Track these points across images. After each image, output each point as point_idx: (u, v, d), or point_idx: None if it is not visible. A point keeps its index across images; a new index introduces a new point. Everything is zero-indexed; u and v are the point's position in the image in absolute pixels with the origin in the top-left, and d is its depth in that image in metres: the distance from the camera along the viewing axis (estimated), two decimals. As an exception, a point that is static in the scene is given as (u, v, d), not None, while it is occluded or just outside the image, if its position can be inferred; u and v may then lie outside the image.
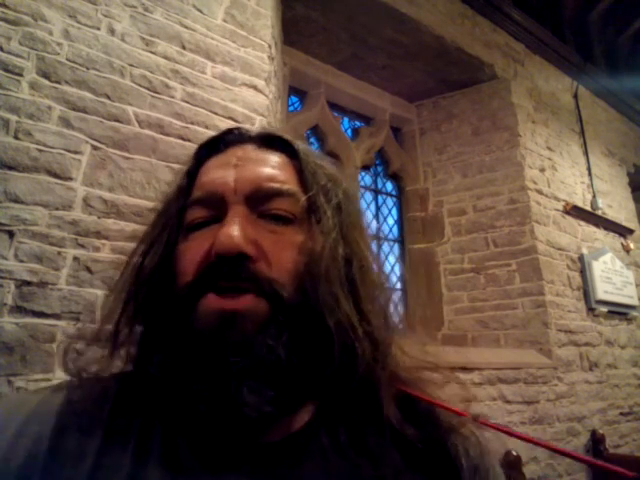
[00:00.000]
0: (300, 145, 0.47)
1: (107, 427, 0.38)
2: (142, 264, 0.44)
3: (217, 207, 0.41)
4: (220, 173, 0.43)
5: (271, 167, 0.44)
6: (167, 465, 0.36)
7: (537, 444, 0.41)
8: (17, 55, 1.40)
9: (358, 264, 0.43)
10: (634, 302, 3.45)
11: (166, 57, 1.70)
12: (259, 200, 0.41)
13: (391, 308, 0.48)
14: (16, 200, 1.31)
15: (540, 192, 3.13)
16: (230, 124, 1.76)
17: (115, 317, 0.43)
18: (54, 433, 0.37)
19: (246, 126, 0.49)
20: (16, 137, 1.35)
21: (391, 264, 3.30)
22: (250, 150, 0.46)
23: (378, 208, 3.40)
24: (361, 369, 0.39)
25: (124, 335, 0.43)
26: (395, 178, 3.54)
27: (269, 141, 0.47)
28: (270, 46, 2.02)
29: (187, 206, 0.43)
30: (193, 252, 0.40)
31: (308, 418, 0.42)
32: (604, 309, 3.20)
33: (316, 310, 0.38)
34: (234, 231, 0.38)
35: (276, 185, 0.42)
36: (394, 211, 3.49)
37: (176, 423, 0.38)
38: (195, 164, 0.47)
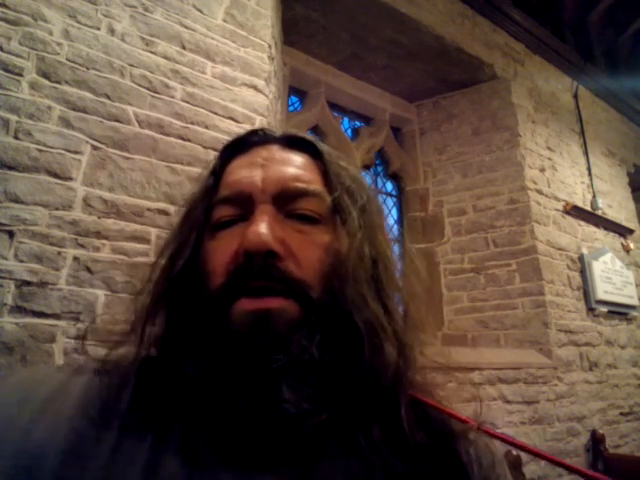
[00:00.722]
0: (324, 146, 0.48)
1: (126, 416, 0.38)
2: (171, 263, 0.44)
3: (244, 206, 0.42)
4: (247, 172, 0.44)
5: (296, 167, 0.45)
6: (185, 458, 0.37)
7: (539, 455, 0.41)
8: (17, 55, 1.40)
9: (383, 265, 0.44)
10: (634, 302, 3.45)
11: (166, 57, 1.70)
12: (286, 200, 0.42)
13: (412, 310, 0.48)
14: (16, 200, 1.31)
15: (540, 192, 3.13)
16: (230, 124, 1.76)
17: (142, 316, 0.43)
18: (74, 417, 0.37)
19: (270, 128, 0.50)
20: (16, 137, 1.35)
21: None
22: (275, 150, 0.46)
23: (378, 208, 3.40)
24: (391, 369, 0.39)
25: (149, 334, 0.43)
26: (395, 178, 3.54)
27: (293, 142, 0.48)
28: (270, 46, 2.02)
29: (214, 205, 0.44)
30: (222, 251, 0.41)
31: (325, 416, 0.42)
32: (604, 309, 3.20)
33: (345, 310, 0.39)
34: (262, 229, 0.38)
35: (302, 185, 0.43)
36: (394, 211, 3.49)
37: (196, 418, 0.38)
38: (220, 164, 0.48)
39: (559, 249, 3.09)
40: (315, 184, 0.44)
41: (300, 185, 0.43)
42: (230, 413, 0.36)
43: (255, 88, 1.89)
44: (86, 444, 0.36)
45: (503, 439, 0.42)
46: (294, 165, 0.45)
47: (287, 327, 0.37)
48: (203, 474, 0.36)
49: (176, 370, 0.39)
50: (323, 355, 0.37)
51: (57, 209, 1.37)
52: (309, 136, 0.49)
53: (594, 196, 3.61)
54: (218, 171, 0.47)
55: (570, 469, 0.38)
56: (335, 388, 0.38)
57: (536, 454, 0.41)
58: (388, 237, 0.49)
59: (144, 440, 0.37)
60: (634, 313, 3.48)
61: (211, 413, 0.37)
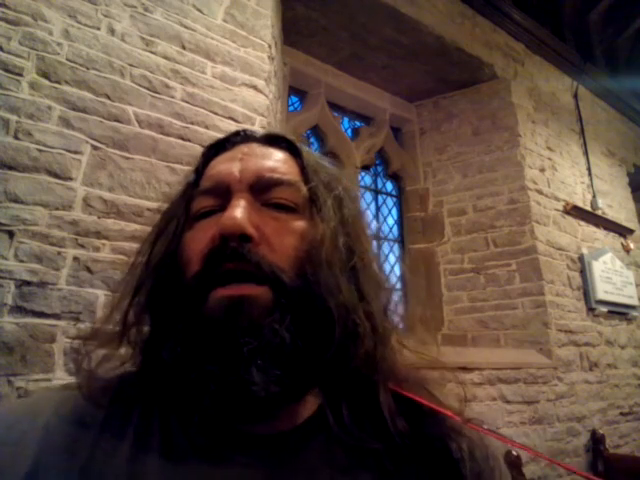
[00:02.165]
0: (302, 145, 0.50)
1: (106, 416, 0.39)
2: (150, 255, 0.45)
3: (223, 196, 0.43)
4: (226, 165, 0.46)
5: (274, 160, 0.46)
6: (166, 454, 0.38)
7: (524, 449, 0.41)
8: (17, 55, 1.40)
9: (359, 255, 0.45)
10: (634, 302, 3.45)
11: (166, 57, 1.70)
12: (262, 189, 0.43)
13: (392, 306, 0.49)
14: (16, 200, 1.31)
15: (540, 192, 3.13)
16: (230, 124, 1.76)
17: (123, 307, 0.44)
18: (43, 432, 0.38)
19: (253, 128, 0.52)
20: (16, 137, 1.35)
21: (391, 264, 3.30)
22: (255, 147, 0.48)
23: (378, 208, 3.40)
24: (362, 350, 0.40)
25: (132, 327, 0.44)
26: (395, 178, 3.54)
27: (273, 140, 0.49)
28: (270, 46, 2.02)
29: (194, 197, 0.45)
30: (199, 239, 0.42)
31: (312, 411, 0.43)
32: (604, 309, 3.20)
33: (317, 294, 0.40)
34: (237, 213, 0.39)
35: (278, 175, 0.44)
36: (394, 211, 3.49)
37: (176, 413, 0.40)
38: (203, 162, 0.50)
39: (559, 249, 3.09)
40: (291, 175, 0.45)
41: (275, 175, 0.44)
42: (203, 396, 0.37)
43: (255, 88, 1.89)
44: (60, 453, 0.37)
45: (490, 434, 0.42)
46: (272, 159, 0.46)
47: (260, 312, 0.38)
48: (183, 468, 0.37)
49: (154, 358, 0.40)
50: (295, 338, 0.38)
51: (57, 209, 1.37)
52: (289, 135, 0.51)
53: (594, 196, 3.61)
54: (200, 169, 0.49)
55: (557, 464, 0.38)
56: (307, 370, 0.39)
57: (523, 449, 0.41)
58: (367, 234, 0.49)
59: (125, 439, 0.38)
60: (634, 313, 3.48)
61: (186, 398, 0.39)
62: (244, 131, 0.51)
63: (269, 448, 0.40)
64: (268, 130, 0.53)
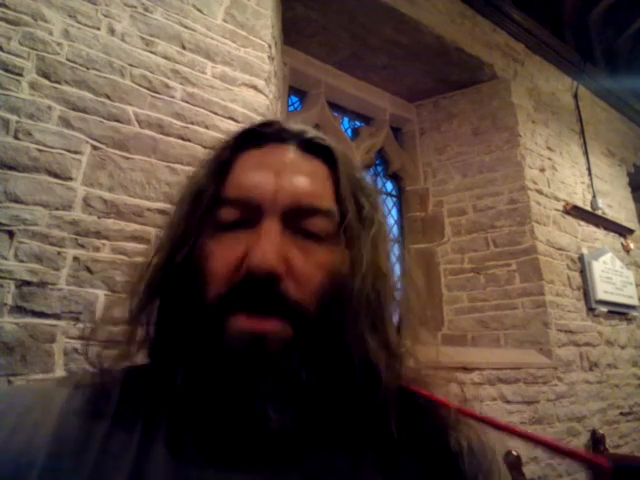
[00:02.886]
0: (340, 153, 0.46)
1: (114, 415, 0.39)
2: (171, 256, 0.43)
3: (252, 211, 0.41)
4: (260, 176, 0.42)
5: (311, 179, 0.43)
6: (172, 456, 0.38)
7: (518, 434, 0.41)
8: (17, 55, 1.40)
9: (381, 279, 0.44)
10: (634, 302, 3.45)
11: (166, 57, 1.70)
12: (296, 215, 0.41)
13: (404, 321, 0.48)
14: (16, 200, 1.31)
15: (540, 192, 3.13)
16: (230, 124, 1.76)
17: (135, 310, 0.43)
18: (58, 422, 0.38)
19: (285, 121, 0.48)
20: (16, 137, 1.35)
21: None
22: (291, 154, 0.44)
23: (378, 208, 3.40)
24: (383, 387, 0.40)
25: (142, 329, 0.43)
26: (395, 178, 3.54)
27: (310, 145, 0.46)
28: (270, 46, 2.02)
29: (220, 202, 0.42)
30: (223, 257, 0.40)
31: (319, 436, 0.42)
32: (604, 309, 3.20)
33: (338, 331, 0.39)
34: (268, 252, 0.37)
35: (316, 203, 0.41)
36: (394, 211, 3.49)
37: (184, 418, 0.39)
38: (230, 153, 0.45)
39: (559, 249, 3.09)
40: (328, 201, 0.42)
41: (313, 203, 0.41)
42: (216, 424, 0.37)
43: (255, 88, 1.89)
44: (72, 446, 0.37)
45: (484, 420, 0.42)
46: (310, 176, 0.43)
47: (280, 350, 0.37)
48: (188, 469, 0.37)
49: (165, 377, 0.40)
50: (311, 378, 0.38)
51: (57, 209, 1.37)
52: (327, 140, 0.47)
53: (594, 196, 3.61)
54: (227, 161, 0.45)
55: (556, 450, 0.39)
56: (323, 408, 0.39)
57: (519, 434, 0.41)
58: (389, 249, 0.48)
59: (132, 436, 0.38)
60: (634, 313, 3.48)
61: (197, 420, 0.38)
62: (277, 123, 0.47)
63: (277, 454, 0.39)
64: (304, 129, 0.47)
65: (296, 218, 0.41)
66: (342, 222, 0.42)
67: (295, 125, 0.47)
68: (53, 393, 0.41)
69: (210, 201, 0.42)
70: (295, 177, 0.42)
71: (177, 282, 0.42)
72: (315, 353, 0.38)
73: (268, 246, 0.38)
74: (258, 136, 0.45)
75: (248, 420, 0.36)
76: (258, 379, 0.36)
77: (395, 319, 0.47)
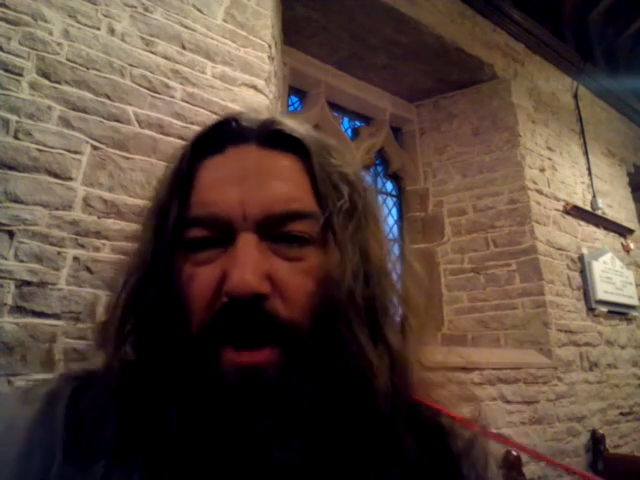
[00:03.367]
0: (311, 141, 0.41)
1: (109, 453, 0.36)
2: (143, 288, 0.40)
3: (222, 230, 0.37)
4: (223, 191, 0.38)
5: (282, 180, 0.39)
6: None
7: (541, 458, 0.40)
8: (17, 55, 1.40)
9: (377, 282, 0.40)
10: (634, 302, 3.45)
11: (166, 57, 1.69)
12: (272, 225, 0.37)
13: (407, 317, 0.45)
14: (16, 200, 1.31)
15: (540, 192, 3.13)
16: (230, 124, 1.76)
17: (114, 337, 0.40)
18: (59, 459, 0.35)
19: (245, 115, 0.43)
20: (16, 137, 1.35)
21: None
22: (254, 155, 0.40)
23: (378, 208, 3.40)
24: (387, 405, 0.37)
25: (121, 357, 0.40)
26: (395, 178, 3.54)
27: (274, 139, 0.41)
28: (270, 46, 2.02)
29: (186, 222, 0.38)
30: (201, 283, 0.37)
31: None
32: (604, 309, 3.20)
33: (335, 349, 0.37)
34: (247, 273, 0.34)
35: (291, 207, 0.37)
36: (394, 211, 3.49)
37: (185, 462, 0.36)
38: (189, 164, 0.41)
39: (559, 249, 3.09)
40: (305, 201, 0.39)
41: (288, 207, 0.37)
42: (218, 469, 0.35)
43: (255, 88, 1.89)
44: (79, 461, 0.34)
45: (506, 442, 0.41)
46: (278, 177, 0.39)
47: (276, 381, 0.35)
48: None
49: (156, 417, 0.36)
50: (314, 404, 0.35)
51: (57, 209, 1.37)
52: (294, 129, 0.42)
53: (594, 196, 3.61)
54: (187, 173, 0.40)
55: (567, 470, 0.38)
56: (328, 432, 0.37)
57: (535, 456, 0.41)
58: (384, 241, 0.44)
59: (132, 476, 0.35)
60: (634, 313, 3.48)
61: (197, 463, 0.36)
62: (236, 121, 0.42)
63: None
64: (266, 122, 0.42)
65: (273, 227, 0.37)
66: (326, 221, 0.38)
67: (255, 116, 0.43)
68: (48, 418, 0.37)
69: (175, 222, 0.39)
70: (263, 183, 0.38)
71: (154, 312, 0.39)
72: (313, 375, 0.36)
73: (246, 267, 0.34)
74: (216, 138, 0.41)
75: (252, 462, 0.34)
76: (257, 418, 0.34)
77: (397, 318, 0.44)
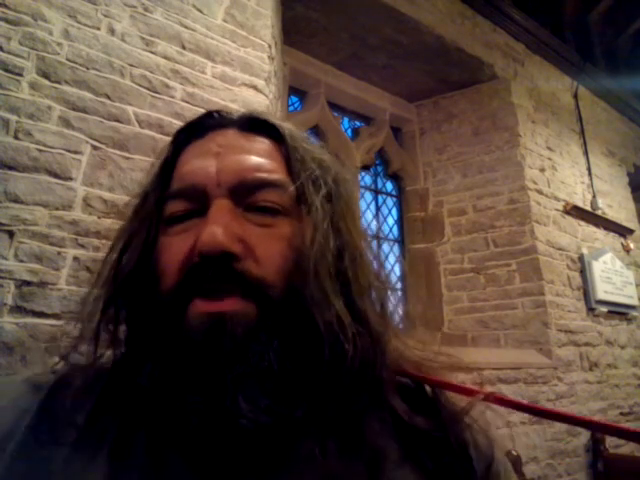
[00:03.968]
0: (286, 128, 0.44)
1: (81, 430, 0.36)
2: (121, 260, 0.41)
3: (199, 200, 0.39)
4: (200, 163, 0.40)
5: (256, 154, 0.41)
6: (150, 467, 0.35)
7: (545, 413, 0.39)
8: (17, 55, 1.40)
9: (350, 256, 0.41)
10: (634, 302, 3.45)
11: (166, 57, 1.69)
12: (244, 192, 0.39)
13: (389, 299, 0.46)
14: (16, 200, 1.31)
15: (540, 192, 3.13)
16: (230, 124, 1.76)
17: (96, 318, 0.41)
18: (26, 429, 0.35)
19: (228, 109, 0.47)
20: (16, 137, 1.35)
21: (391, 264, 3.30)
22: (232, 135, 0.43)
23: (378, 208, 3.40)
24: (352, 370, 0.37)
25: (107, 335, 0.41)
26: (395, 178, 3.54)
27: (252, 125, 0.44)
28: (270, 46, 2.02)
29: (166, 198, 0.41)
30: (175, 249, 0.38)
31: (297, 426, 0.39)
32: (604, 309, 3.20)
33: (305, 309, 0.37)
34: (218, 229, 0.35)
35: (263, 175, 0.40)
36: (394, 211, 3.49)
37: (161, 430, 0.36)
38: (173, 151, 0.44)
39: (559, 249, 3.09)
40: (277, 173, 0.41)
41: (260, 175, 0.39)
42: (186, 426, 0.34)
43: (255, 88, 1.89)
44: (34, 463, 0.34)
45: (514, 402, 0.40)
46: (253, 152, 0.41)
47: (244, 332, 0.35)
48: None
49: (130, 379, 0.37)
50: (283, 361, 0.35)
51: (57, 209, 1.37)
52: (270, 117, 0.45)
53: (594, 196, 3.61)
54: (170, 159, 0.44)
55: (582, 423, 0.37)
56: (297, 394, 0.36)
57: (544, 412, 0.39)
58: (359, 224, 0.46)
59: (100, 453, 0.35)
60: (634, 313, 3.48)
61: (169, 424, 0.35)
62: (218, 112, 0.45)
63: (259, 459, 0.36)
64: (246, 111, 0.46)
65: (245, 194, 0.39)
66: (297, 193, 0.40)
67: (237, 110, 0.47)
68: (25, 395, 0.38)
69: (157, 199, 0.41)
70: (238, 155, 0.41)
71: (135, 285, 0.40)
72: (283, 333, 0.36)
73: (217, 224, 0.36)
74: (199, 128, 0.44)
75: (220, 417, 0.33)
76: (224, 368, 0.33)
77: (378, 297, 0.44)
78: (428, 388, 0.45)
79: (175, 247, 0.38)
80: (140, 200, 0.44)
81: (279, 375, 0.35)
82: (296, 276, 0.37)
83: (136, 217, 0.43)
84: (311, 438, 0.37)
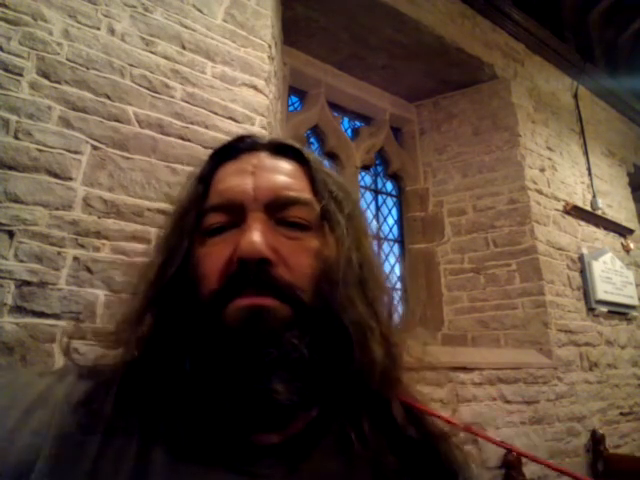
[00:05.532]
0: (310, 153, 0.50)
1: (111, 420, 0.39)
2: (163, 270, 0.45)
3: (236, 214, 0.43)
4: (238, 180, 0.45)
5: (286, 175, 0.46)
6: (171, 456, 0.38)
7: (526, 456, 0.42)
8: (17, 55, 1.40)
9: (369, 268, 0.46)
10: (634, 302, 3.45)
11: (166, 57, 1.69)
12: (277, 208, 0.43)
13: (394, 308, 0.51)
14: (16, 200, 1.31)
15: (540, 192, 3.13)
16: (230, 124, 1.76)
17: (133, 320, 0.44)
18: (59, 423, 0.38)
19: (257, 133, 0.52)
20: (16, 137, 1.35)
21: (391, 264, 3.30)
22: (264, 158, 0.47)
23: (378, 208, 3.40)
24: (379, 368, 0.41)
25: (138, 337, 0.44)
26: (395, 178, 3.53)
27: (280, 149, 0.49)
28: (270, 46, 2.02)
29: (204, 212, 0.45)
30: (214, 258, 0.42)
31: (311, 418, 0.43)
32: (604, 309, 3.20)
33: (334, 312, 0.41)
34: (256, 237, 0.39)
35: (293, 194, 0.44)
36: (394, 211, 3.49)
37: (184, 417, 0.40)
38: (209, 170, 0.49)
39: (559, 249, 3.09)
40: (305, 192, 0.45)
41: (291, 194, 0.44)
42: (224, 403, 0.38)
43: (255, 88, 1.89)
44: (71, 449, 0.36)
45: (489, 440, 0.44)
46: (284, 173, 0.46)
47: (279, 324, 0.39)
48: (188, 469, 0.37)
49: (167, 370, 0.41)
50: (313, 354, 0.39)
51: (57, 209, 1.37)
52: (296, 143, 0.50)
53: (594, 196, 3.61)
54: (207, 177, 0.48)
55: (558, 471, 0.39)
56: (325, 386, 0.40)
57: (523, 455, 0.42)
58: (371, 240, 0.51)
59: (131, 442, 0.38)
60: (634, 313, 3.48)
61: (203, 408, 0.39)
62: (250, 137, 0.50)
63: (278, 456, 0.40)
64: (275, 137, 0.52)
65: (278, 210, 0.43)
66: (322, 211, 0.45)
67: (266, 135, 0.51)
68: (54, 390, 0.40)
69: (196, 214, 0.45)
70: (271, 175, 0.45)
71: (173, 293, 0.43)
72: (315, 334, 0.40)
73: (255, 234, 0.40)
74: (233, 150, 0.49)
75: (256, 395, 0.37)
76: (260, 351, 0.37)
77: (386, 305, 0.49)
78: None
79: (215, 255, 0.42)
80: (179, 215, 0.47)
81: (309, 365, 0.39)
82: (324, 283, 0.41)
83: (176, 230, 0.46)
84: (334, 428, 0.42)
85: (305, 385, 0.38)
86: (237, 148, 0.49)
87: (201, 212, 0.45)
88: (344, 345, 0.41)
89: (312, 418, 0.43)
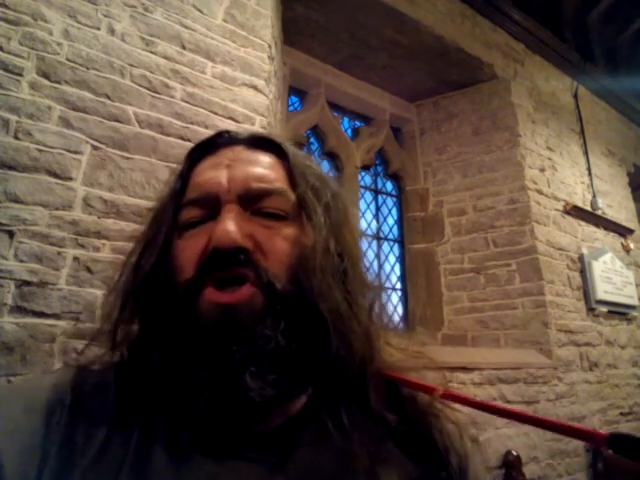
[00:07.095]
0: (289, 147, 0.49)
1: (112, 415, 0.40)
2: (139, 263, 0.45)
3: (211, 206, 0.43)
4: (213, 174, 0.45)
5: (261, 167, 0.46)
6: (171, 452, 0.38)
7: (501, 412, 0.41)
8: (17, 55, 1.40)
9: (350, 260, 0.45)
10: (634, 302, 3.45)
11: (166, 57, 1.69)
12: (251, 199, 0.43)
13: (377, 306, 0.50)
14: (16, 200, 1.31)
15: (540, 192, 3.13)
16: (230, 124, 1.76)
17: (114, 316, 0.44)
18: (67, 421, 0.38)
19: (236, 129, 0.51)
20: (16, 137, 1.35)
21: (391, 264, 3.30)
22: (240, 151, 0.48)
23: (378, 208, 3.40)
24: (357, 355, 0.41)
25: (122, 333, 0.44)
26: (395, 178, 3.53)
27: (258, 143, 0.49)
28: (270, 46, 2.02)
29: (181, 206, 0.45)
30: (190, 249, 0.42)
31: (302, 405, 0.44)
32: (604, 309, 3.20)
33: (310, 300, 0.40)
34: (230, 226, 0.40)
35: (265, 185, 0.44)
36: (394, 211, 3.49)
37: (177, 412, 0.40)
38: (188, 166, 0.49)
39: (559, 249, 3.09)
40: (279, 182, 0.45)
41: (263, 185, 0.44)
42: (197, 402, 0.37)
43: (255, 88, 1.89)
44: (76, 449, 0.37)
45: (468, 401, 0.43)
46: (259, 165, 0.46)
47: (252, 319, 0.38)
48: (187, 465, 0.38)
49: (145, 365, 0.41)
50: (289, 342, 0.39)
51: (57, 209, 1.37)
52: (275, 136, 0.50)
53: (594, 196, 3.61)
54: (185, 173, 0.48)
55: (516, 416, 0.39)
56: (303, 374, 0.40)
57: (501, 412, 0.41)
58: (355, 234, 0.50)
59: (131, 436, 0.39)
60: (634, 313, 3.48)
61: (182, 404, 0.39)
62: (228, 133, 0.51)
63: (266, 443, 0.40)
64: (253, 132, 0.52)
65: (252, 201, 0.43)
66: (298, 200, 0.45)
67: (245, 130, 0.52)
68: (55, 389, 0.41)
69: (174, 209, 0.46)
70: (246, 167, 0.45)
71: (152, 286, 0.43)
72: (291, 321, 0.39)
73: (229, 224, 0.40)
74: (211, 146, 0.49)
75: (229, 393, 0.37)
76: (231, 349, 0.37)
77: (369, 301, 0.48)
78: (405, 389, 0.48)
79: (190, 247, 0.42)
80: (157, 209, 0.48)
81: (286, 354, 0.38)
82: (300, 271, 0.41)
83: (153, 224, 0.47)
84: (316, 417, 0.42)
85: (283, 375, 0.38)
86: (215, 144, 0.49)
87: (179, 207, 0.45)
88: (321, 333, 0.40)
89: (298, 408, 0.43)
